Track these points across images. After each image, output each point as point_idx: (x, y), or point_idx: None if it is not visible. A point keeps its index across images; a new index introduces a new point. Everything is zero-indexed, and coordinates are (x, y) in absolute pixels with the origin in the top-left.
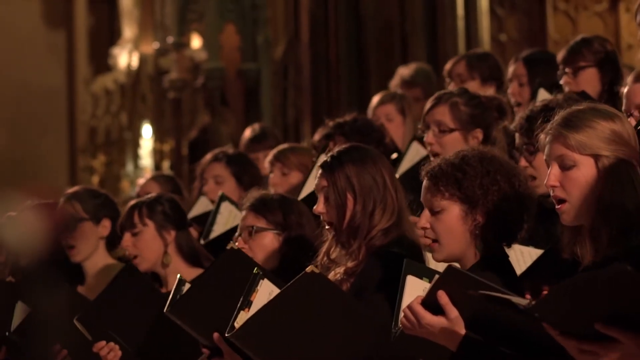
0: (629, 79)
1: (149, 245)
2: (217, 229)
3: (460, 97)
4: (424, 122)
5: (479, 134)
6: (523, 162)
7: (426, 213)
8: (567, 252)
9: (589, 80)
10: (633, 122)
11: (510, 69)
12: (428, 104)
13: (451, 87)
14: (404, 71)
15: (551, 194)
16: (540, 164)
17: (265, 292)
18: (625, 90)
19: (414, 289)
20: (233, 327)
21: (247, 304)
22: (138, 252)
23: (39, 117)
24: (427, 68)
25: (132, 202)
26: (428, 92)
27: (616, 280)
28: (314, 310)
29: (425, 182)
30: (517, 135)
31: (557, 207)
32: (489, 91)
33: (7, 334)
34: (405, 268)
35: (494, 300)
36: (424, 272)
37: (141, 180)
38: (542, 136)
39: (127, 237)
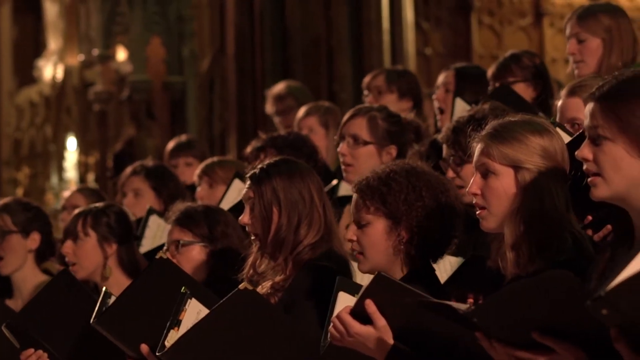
0: (563, 92)
1: (89, 255)
2: (146, 243)
3: (380, 112)
4: (339, 133)
5: (393, 150)
6: (450, 174)
7: (353, 226)
8: (493, 261)
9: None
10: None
11: (441, 77)
12: (346, 116)
13: (369, 99)
14: (273, 89)
15: (473, 201)
16: (467, 174)
17: (194, 311)
18: (558, 103)
19: (346, 305)
20: (164, 346)
21: (176, 323)
22: (77, 260)
23: None
24: (298, 84)
25: (81, 209)
26: (300, 101)
27: (557, 285)
28: (246, 327)
29: (353, 196)
30: (444, 146)
31: (477, 213)
32: (406, 106)
33: None
34: (337, 285)
35: (432, 306)
36: (356, 289)
37: (66, 193)
38: (473, 144)
39: (68, 244)
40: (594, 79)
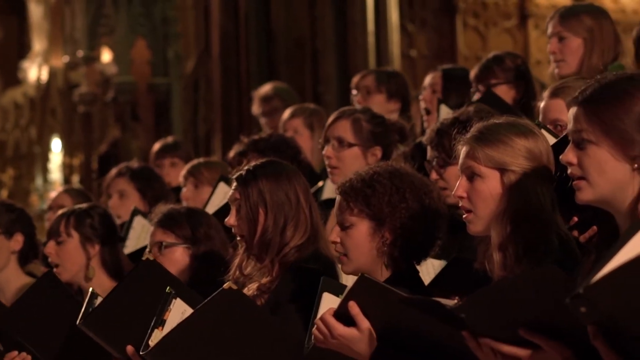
0: (545, 94)
1: (71, 256)
2: (130, 244)
3: (363, 114)
4: (324, 136)
5: (378, 151)
6: (434, 175)
7: (336, 228)
8: (479, 263)
9: (501, 96)
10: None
11: (428, 78)
12: (330, 118)
13: (357, 99)
14: (260, 90)
15: (459, 204)
16: (451, 176)
17: (178, 311)
18: (541, 105)
19: (330, 306)
20: (148, 345)
21: (161, 322)
22: (60, 261)
23: None
24: (284, 85)
25: (64, 210)
26: (287, 103)
27: (546, 280)
28: (230, 327)
29: (337, 198)
30: (428, 148)
31: (463, 216)
32: (394, 107)
33: None
34: (322, 285)
35: (419, 303)
36: (340, 290)
37: (53, 193)
38: (458, 147)
39: (51, 245)
40: (575, 81)
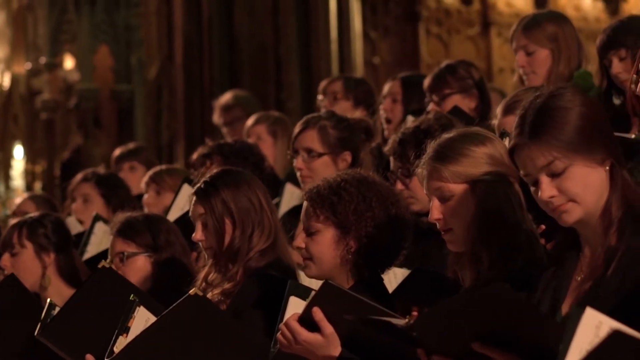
0: (498, 110)
1: (27, 266)
2: (91, 250)
3: (329, 120)
4: (292, 148)
5: (347, 156)
6: (399, 186)
7: (302, 234)
8: (450, 271)
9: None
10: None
11: (386, 87)
12: (296, 129)
13: (324, 104)
14: (221, 99)
15: (438, 226)
16: (416, 185)
17: (142, 319)
18: (495, 123)
19: (297, 309)
20: (112, 351)
21: (125, 329)
22: (16, 272)
23: None
24: (245, 94)
25: (16, 221)
26: (248, 111)
27: (494, 298)
28: (196, 332)
29: (304, 203)
30: (391, 159)
31: (442, 235)
32: (360, 115)
33: None
34: (289, 289)
35: (371, 323)
36: (307, 294)
37: (18, 200)
38: (419, 171)
39: (5, 257)
40: (526, 93)
